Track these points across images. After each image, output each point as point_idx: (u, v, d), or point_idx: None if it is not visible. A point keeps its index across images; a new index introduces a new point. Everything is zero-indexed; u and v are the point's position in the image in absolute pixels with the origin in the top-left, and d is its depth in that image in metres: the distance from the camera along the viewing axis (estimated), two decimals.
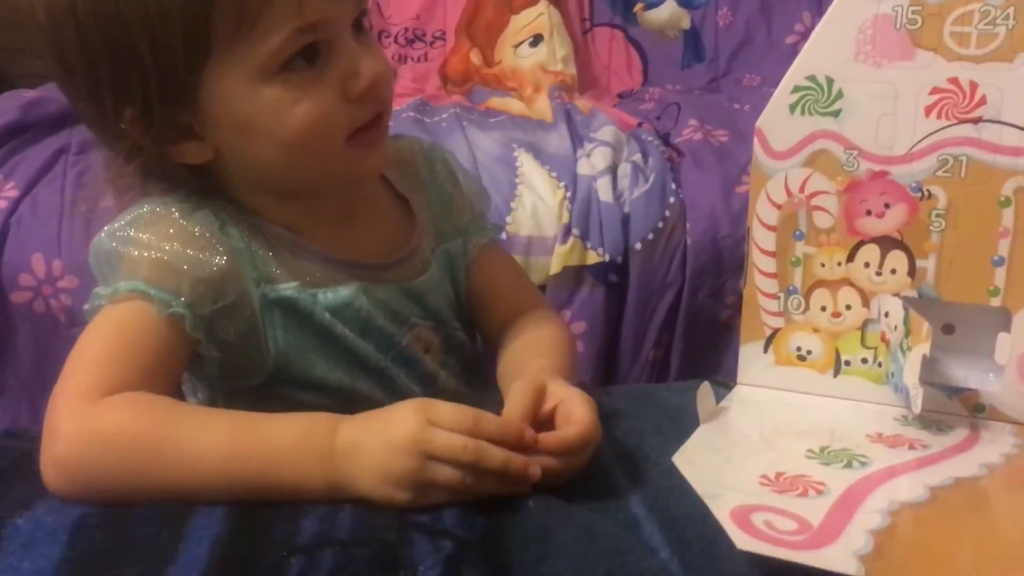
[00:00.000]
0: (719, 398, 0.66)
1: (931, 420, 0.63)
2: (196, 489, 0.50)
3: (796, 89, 0.64)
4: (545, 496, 0.51)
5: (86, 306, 0.59)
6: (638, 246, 1.35)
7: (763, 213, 0.67)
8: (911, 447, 0.58)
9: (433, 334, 0.70)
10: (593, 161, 1.41)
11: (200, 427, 0.52)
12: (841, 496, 0.50)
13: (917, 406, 0.61)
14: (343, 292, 0.63)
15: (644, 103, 1.80)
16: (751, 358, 0.69)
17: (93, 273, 0.60)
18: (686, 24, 2.01)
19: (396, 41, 1.92)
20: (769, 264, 0.68)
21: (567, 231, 1.34)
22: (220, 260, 0.58)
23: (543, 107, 1.66)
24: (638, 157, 1.43)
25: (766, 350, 0.69)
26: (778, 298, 0.68)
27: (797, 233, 0.66)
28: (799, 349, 0.68)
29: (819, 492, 0.51)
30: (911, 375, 0.61)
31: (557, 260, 1.33)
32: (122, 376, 0.54)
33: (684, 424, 0.61)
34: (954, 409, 0.64)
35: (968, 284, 0.63)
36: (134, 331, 0.57)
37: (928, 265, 0.63)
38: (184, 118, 0.58)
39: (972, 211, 0.62)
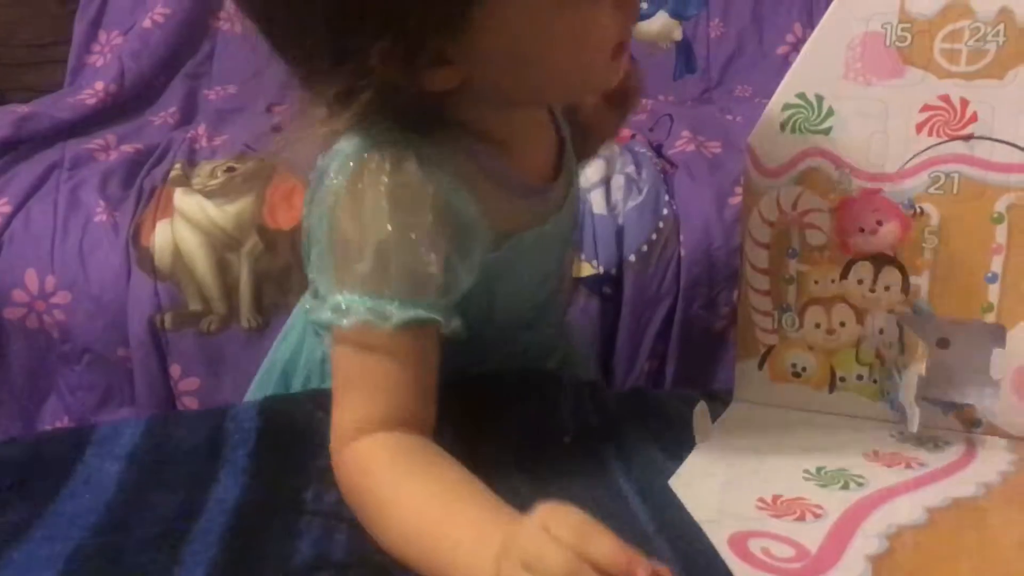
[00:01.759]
0: (716, 413, 0.66)
1: (928, 436, 0.63)
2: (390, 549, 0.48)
3: (786, 107, 0.64)
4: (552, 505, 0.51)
5: (330, 315, 0.52)
6: (632, 258, 1.35)
7: (756, 231, 0.67)
8: (908, 466, 0.58)
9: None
10: (587, 173, 1.41)
11: (408, 498, 0.48)
12: (839, 519, 0.50)
13: (914, 426, 0.61)
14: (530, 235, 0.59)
15: (637, 114, 1.79)
16: (747, 375, 0.69)
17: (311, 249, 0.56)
18: (678, 35, 1.98)
19: None
20: (763, 282, 0.68)
21: None
22: (453, 242, 0.53)
23: None
24: (631, 169, 1.43)
25: (761, 367, 0.69)
26: (772, 316, 0.68)
27: (790, 251, 0.66)
28: (794, 366, 0.68)
29: (816, 516, 0.51)
30: (907, 394, 0.61)
31: None
32: (384, 408, 0.52)
33: (683, 435, 0.61)
34: (951, 424, 0.64)
35: (962, 300, 0.63)
36: (395, 355, 0.52)
37: (922, 282, 0.63)
38: (440, 43, 0.50)
39: (965, 228, 0.62)
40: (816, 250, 0.66)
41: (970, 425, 0.64)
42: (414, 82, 0.51)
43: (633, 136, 1.58)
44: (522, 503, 0.51)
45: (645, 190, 1.39)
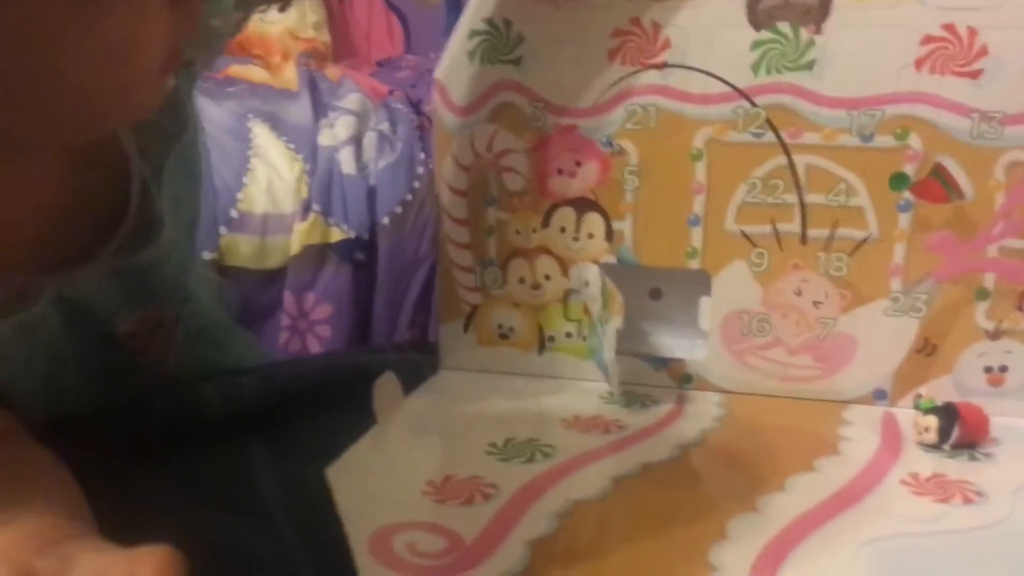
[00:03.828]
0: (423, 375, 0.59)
1: (637, 395, 0.58)
2: None
3: (473, 34, 0.57)
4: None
5: None
6: (386, 220, 1.26)
7: (450, 177, 0.59)
8: (606, 430, 0.52)
9: None
10: (336, 131, 1.31)
11: None
12: (510, 499, 0.43)
13: (614, 384, 0.56)
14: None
15: (402, 71, 1.71)
16: (452, 339, 0.62)
17: None
18: None
19: None
20: (462, 234, 0.60)
21: (307, 207, 1.23)
22: None
23: (289, 76, 1.54)
24: (385, 126, 1.34)
25: (467, 329, 0.62)
26: (474, 271, 0.61)
27: (488, 198, 0.59)
28: (500, 327, 0.61)
29: (487, 497, 0.44)
30: (608, 351, 0.56)
31: (297, 239, 1.23)
32: None
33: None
34: (661, 381, 0.60)
35: (666, 247, 0.58)
36: None
37: (625, 227, 0.58)
38: None
39: (664, 166, 0.56)
40: (515, 196, 0.59)
41: (681, 381, 0.59)
42: None
43: (391, 92, 1.49)
44: (130, 492, 0.42)
45: (399, 148, 1.31)
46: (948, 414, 0.50)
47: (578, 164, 0.58)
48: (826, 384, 0.57)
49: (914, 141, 0.53)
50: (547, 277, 0.60)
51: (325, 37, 1.78)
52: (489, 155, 0.59)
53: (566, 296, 0.60)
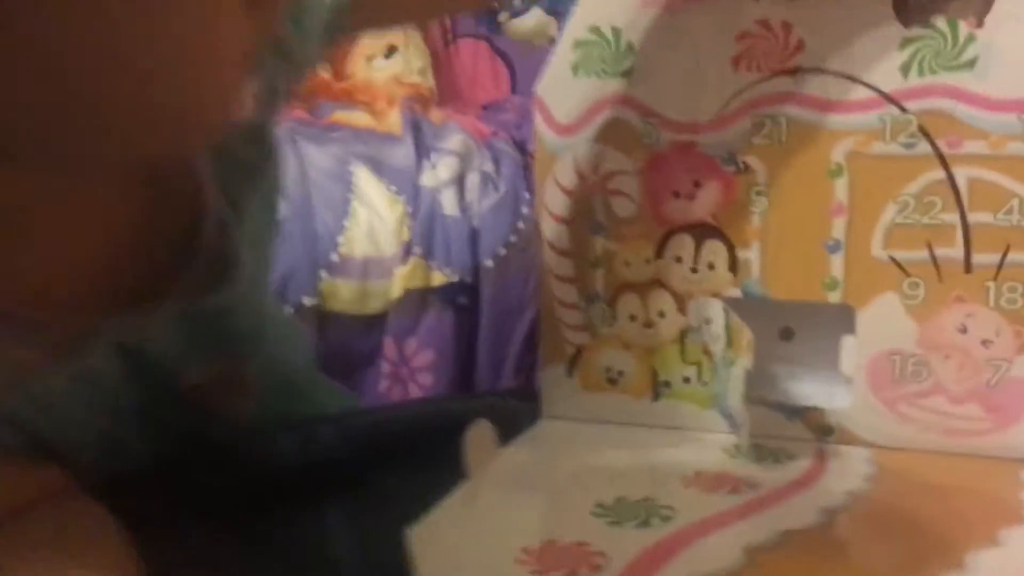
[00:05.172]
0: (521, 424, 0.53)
1: (769, 450, 0.50)
2: None
3: (578, 44, 0.52)
4: None
5: None
6: (489, 263, 1.22)
7: (552, 203, 0.54)
8: (734, 490, 0.45)
9: None
10: (438, 172, 1.28)
11: None
12: (623, 572, 0.36)
13: (742, 436, 0.49)
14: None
15: (506, 113, 1.68)
16: (554, 384, 0.56)
17: None
18: (553, 32, 1.91)
19: None
20: (565, 267, 0.54)
21: (408, 250, 1.20)
22: None
23: (394, 120, 1.53)
24: (489, 166, 1.30)
25: (570, 373, 0.55)
26: (580, 308, 0.55)
27: (594, 225, 0.53)
28: (609, 370, 0.55)
29: (594, 568, 0.37)
30: (734, 396, 0.48)
31: (398, 283, 1.19)
32: None
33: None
34: (797, 433, 0.52)
35: (801, 277, 0.50)
36: None
37: (752, 256, 0.51)
38: None
39: (798, 185, 0.49)
40: (625, 223, 0.53)
41: (821, 432, 0.51)
42: None
43: (494, 133, 1.45)
44: (193, 552, 0.38)
45: (502, 188, 1.26)
46: None
47: (697, 185, 0.51)
48: (999, 439, 0.48)
49: None
50: (661, 314, 0.53)
51: (430, 82, 1.77)
52: (595, 177, 0.53)
53: (683, 335, 0.53)
